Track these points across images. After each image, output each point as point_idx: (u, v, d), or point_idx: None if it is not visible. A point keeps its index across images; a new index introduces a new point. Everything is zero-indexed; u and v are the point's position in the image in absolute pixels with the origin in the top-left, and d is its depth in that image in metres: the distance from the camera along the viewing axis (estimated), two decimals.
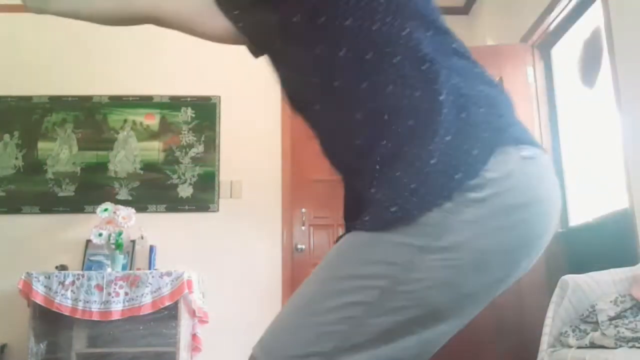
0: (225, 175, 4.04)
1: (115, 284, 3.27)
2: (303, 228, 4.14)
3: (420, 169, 0.81)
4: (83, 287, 3.24)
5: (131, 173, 4.00)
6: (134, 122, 4.09)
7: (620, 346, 1.90)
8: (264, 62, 3.76)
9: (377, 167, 0.88)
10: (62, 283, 3.25)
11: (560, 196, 0.96)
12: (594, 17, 3.02)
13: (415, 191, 0.81)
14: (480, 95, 0.87)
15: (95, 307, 3.21)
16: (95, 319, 3.21)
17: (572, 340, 2.11)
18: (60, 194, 3.96)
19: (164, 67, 4.20)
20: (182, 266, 3.49)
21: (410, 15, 0.88)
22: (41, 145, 4.03)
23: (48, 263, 3.62)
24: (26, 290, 3.21)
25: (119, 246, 3.56)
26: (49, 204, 3.94)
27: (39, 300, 3.20)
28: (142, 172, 4.01)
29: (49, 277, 3.25)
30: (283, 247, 3.99)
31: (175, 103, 4.14)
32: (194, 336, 3.49)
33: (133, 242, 3.78)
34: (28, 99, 4.09)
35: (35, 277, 3.23)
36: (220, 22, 1.14)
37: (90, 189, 3.95)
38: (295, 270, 4.04)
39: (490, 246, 0.82)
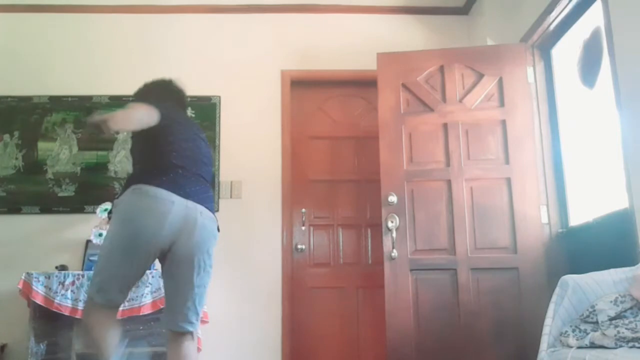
0: (225, 175, 4.04)
1: None
2: (303, 228, 4.14)
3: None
4: (83, 287, 3.24)
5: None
6: None
7: (620, 346, 1.90)
8: (263, 62, 3.82)
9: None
10: (62, 283, 3.25)
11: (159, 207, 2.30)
12: (594, 17, 3.02)
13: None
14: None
15: None
16: None
17: (572, 340, 2.11)
18: (60, 194, 3.96)
19: (164, 67, 4.19)
20: None
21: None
22: (41, 145, 4.03)
23: (48, 263, 3.62)
24: (26, 290, 3.21)
25: None
26: (49, 204, 3.95)
27: (39, 300, 3.19)
28: None
29: (49, 277, 3.25)
30: (283, 247, 3.98)
31: None
32: None
33: None
34: (28, 99, 4.09)
35: (35, 277, 3.23)
36: None
37: (90, 189, 3.95)
38: (295, 270, 4.04)
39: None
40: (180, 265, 2.37)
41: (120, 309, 3.18)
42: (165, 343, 2.54)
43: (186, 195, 2.34)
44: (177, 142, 2.46)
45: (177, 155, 2.43)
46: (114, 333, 2.33)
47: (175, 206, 2.29)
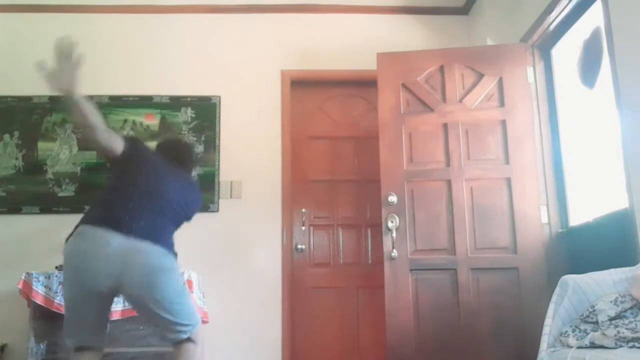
0: (225, 175, 4.04)
1: None
2: (303, 228, 4.14)
3: None
4: None
5: None
6: (134, 122, 4.09)
7: (620, 346, 1.90)
8: (263, 62, 3.81)
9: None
10: (62, 283, 3.24)
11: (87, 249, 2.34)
12: (594, 17, 3.02)
13: None
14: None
15: None
16: None
17: (572, 340, 2.11)
18: (60, 194, 3.96)
19: (164, 67, 4.20)
20: (182, 266, 3.48)
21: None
22: (41, 145, 4.03)
23: (48, 263, 3.62)
24: (26, 290, 3.21)
25: None
26: (49, 204, 3.95)
27: (39, 300, 3.19)
28: None
29: (49, 277, 3.25)
30: (283, 247, 3.98)
31: (175, 103, 4.14)
32: None
33: None
34: (28, 99, 4.09)
35: (35, 277, 3.23)
36: None
37: (90, 189, 3.95)
38: (295, 270, 4.04)
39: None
40: (139, 302, 2.38)
41: (120, 308, 3.21)
42: (165, 343, 2.56)
43: (128, 232, 2.29)
44: (137, 176, 2.47)
45: (133, 190, 2.42)
46: None
47: (111, 247, 2.26)
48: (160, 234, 2.41)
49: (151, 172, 2.51)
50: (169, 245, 2.45)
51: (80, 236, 2.34)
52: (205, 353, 2.53)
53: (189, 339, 2.44)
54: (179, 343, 2.44)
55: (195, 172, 3.01)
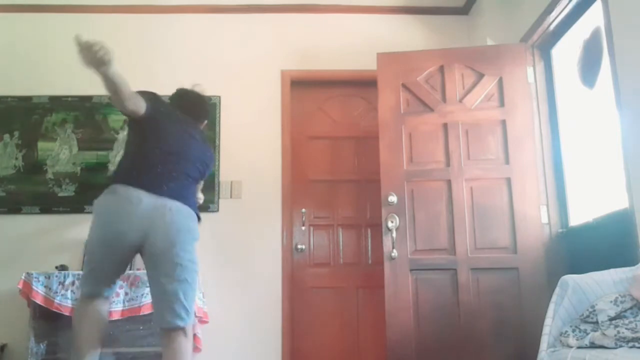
0: (225, 175, 4.04)
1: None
2: (303, 228, 4.14)
3: None
4: None
5: None
6: None
7: (620, 346, 1.90)
8: (263, 62, 3.80)
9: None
10: (62, 283, 3.25)
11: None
12: (594, 17, 3.02)
13: None
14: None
15: None
16: None
17: (572, 340, 2.11)
18: (60, 194, 3.96)
19: (164, 67, 4.20)
20: None
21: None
22: (41, 145, 4.03)
23: (48, 263, 3.62)
24: (26, 290, 3.21)
25: None
26: (49, 204, 3.95)
27: (39, 300, 3.19)
28: None
29: (49, 277, 3.25)
30: (283, 247, 3.98)
31: None
32: (194, 336, 3.48)
33: None
34: (28, 99, 4.10)
35: (35, 277, 3.23)
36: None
37: (90, 189, 3.94)
38: (295, 270, 4.04)
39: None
40: (156, 261, 2.43)
41: (120, 308, 3.21)
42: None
43: (160, 192, 2.42)
44: (162, 138, 2.56)
45: (159, 152, 2.53)
46: (93, 329, 2.43)
47: (142, 204, 2.39)
48: (187, 194, 2.53)
49: (174, 133, 2.61)
50: (193, 206, 2.55)
51: (112, 193, 2.45)
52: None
53: (182, 330, 2.42)
54: (170, 331, 2.41)
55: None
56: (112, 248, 2.43)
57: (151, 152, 2.53)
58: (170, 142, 2.58)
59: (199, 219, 2.60)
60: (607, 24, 2.72)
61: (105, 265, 2.47)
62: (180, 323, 2.41)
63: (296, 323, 3.96)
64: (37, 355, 3.25)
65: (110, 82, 2.33)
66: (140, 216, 2.39)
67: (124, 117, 4.07)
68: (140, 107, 2.51)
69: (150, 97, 2.62)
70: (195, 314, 3.49)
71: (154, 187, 2.43)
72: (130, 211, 2.39)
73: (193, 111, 2.90)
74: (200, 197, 3.01)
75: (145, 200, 2.40)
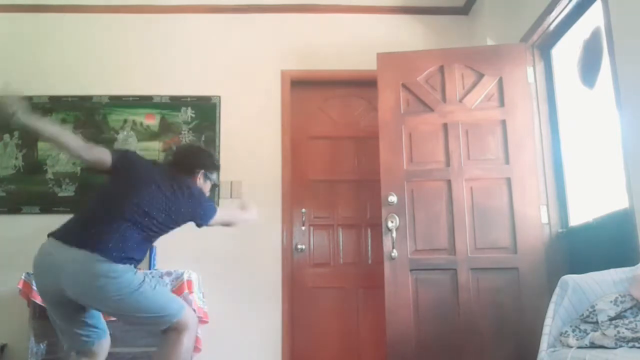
0: (225, 175, 4.03)
1: None
2: (303, 228, 4.14)
3: None
4: None
5: None
6: (134, 122, 4.09)
7: (620, 346, 1.90)
8: (263, 62, 3.79)
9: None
10: None
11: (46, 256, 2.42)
12: (594, 17, 3.02)
13: None
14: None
15: None
16: None
17: (572, 340, 2.11)
18: (60, 194, 3.96)
19: (164, 67, 4.20)
20: (182, 266, 3.49)
21: None
22: (41, 145, 4.03)
23: None
24: (26, 290, 3.21)
25: None
26: (49, 204, 3.95)
27: (39, 300, 3.18)
28: None
29: None
30: (283, 247, 3.98)
31: (175, 103, 4.14)
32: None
33: None
34: (28, 99, 4.09)
35: None
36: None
37: (90, 189, 3.94)
38: (295, 270, 4.04)
39: None
40: (85, 302, 2.42)
41: None
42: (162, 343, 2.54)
43: (70, 242, 2.35)
44: (114, 185, 2.51)
45: (101, 199, 2.50)
46: None
47: (52, 257, 2.37)
48: (108, 241, 2.34)
49: (131, 178, 2.50)
50: (115, 251, 2.34)
51: (39, 250, 2.46)
52: (191, 342, 2.49)
53: (171, 328, 2.43)
54: (163, 333, 2.46)
55: (213, 177, 2.82)
56: (48, 303, 2.48)
57: (93, 200, 2.52)
58: (117, 188, 2.47)
59: (126, 261, 2.38)
60: (607, 24, 2.72)
61: (54, 319, 2.52)
62: (162, 327, 2.44)
63: (296, 323, 3.96)
64: (37, 355, 3.25)
65: (42, 136, 2.39)
66: (50, 268, 2.36)
67: (124, 117, 4.10)
68: (105, 157, 2.49)
69: (120, 152, 2.66)
70: (196, 313, 3.49)
71: (69, 236, 2.38)
72: (43, 263, 2.40)
73: (183, 164, 2.72)
74: (245, 215, 2.96)
75: (55, 252, 2.36)
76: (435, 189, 3.44)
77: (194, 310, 3.43)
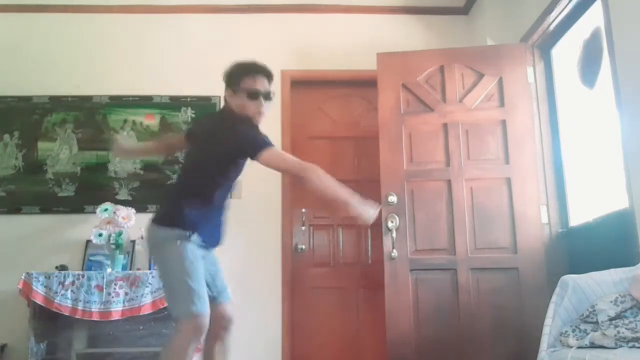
0: None
1: (115, 284, 3.27)
2: (303, 228, 4.14)
3: None
4: (83, 287, 3.24)
5: (131, 173, 4.00)
6: (134, 122, 4.09)
7: (620, 346, 1.90)
8: (263, 62, 3.75)
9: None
10: (62, 283, 3.25)
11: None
12: (594, 17, 3.02)
13: None
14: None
15: (95, 307, 3.21)
16: (95, 319, 3.21)
17: (572, 340, 2.11)
18: (60, 194, 3.96)
19: (164, 67, 4.20)
20: None
21: None
22: (41, 145, 4.02)
23: (48, 263, 3.62)
24: (26, 290, 3.21)
25: (118, 246, 3.57)
26: (49, 204, 3.94)
27: (39, 300, 3.20)
28: (142, 172, 4.01)
29: (49, 277, 3.25)
30: (283, 247, 3.98)
31: (175, 103, 4.14)
32: None
33: (133, 242, 3.79)
34: (28, 99, 4.09)
35: (35, 277, 3.23)
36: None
37: (90, 189, 3.95)
38: (295, 270, 4.04)
39: None
40: None
41: (120, 308, 3.21)
42: (164, 343, 2.54)
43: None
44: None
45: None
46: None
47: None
48: (162, 206, 2.54)
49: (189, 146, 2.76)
50: (167, 214, 2.39)
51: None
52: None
53: (175, 327, 2.39)
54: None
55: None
56: None
57: None
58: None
59: (172, 224, 2.35)
60: (607, 24, 2.72)
61: None
62: (174, 322, 2.42)
63: (296, 323, 3.96)
64: (37, 355, 3.25)
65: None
66: None
67: (124, 117, 4.10)
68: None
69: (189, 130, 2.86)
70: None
71: None
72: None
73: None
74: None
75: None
76: (435, 189, 3.44)
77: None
